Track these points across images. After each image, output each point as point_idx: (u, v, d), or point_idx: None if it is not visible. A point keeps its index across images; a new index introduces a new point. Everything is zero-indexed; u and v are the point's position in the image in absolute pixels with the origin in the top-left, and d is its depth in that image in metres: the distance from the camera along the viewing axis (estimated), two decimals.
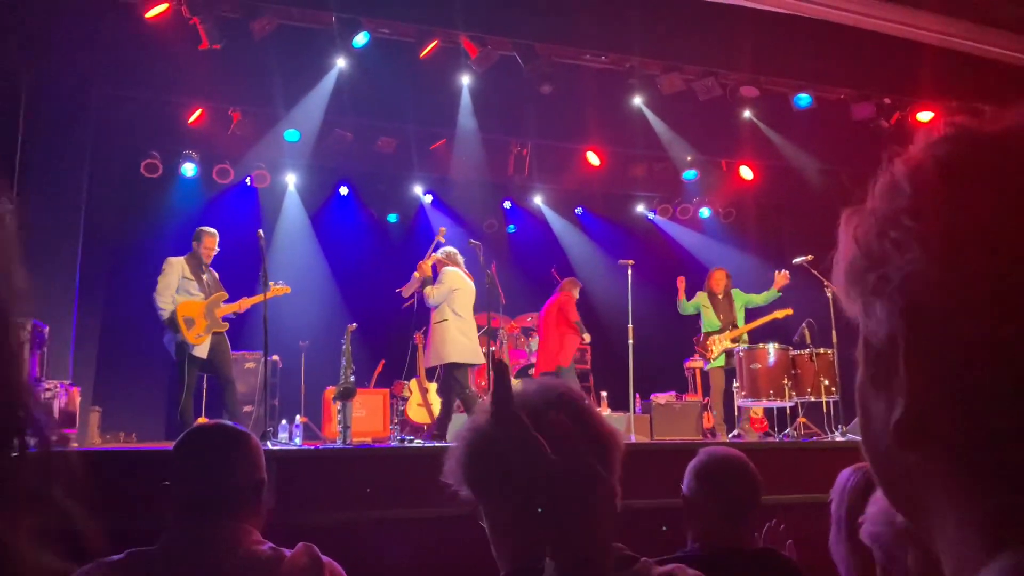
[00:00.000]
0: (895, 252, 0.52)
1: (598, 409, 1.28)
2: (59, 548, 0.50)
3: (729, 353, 7.31)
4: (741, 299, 7.61)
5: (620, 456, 1.21)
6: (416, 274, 6.71)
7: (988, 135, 0.53)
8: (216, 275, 6.45)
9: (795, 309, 7.37)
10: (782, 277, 7.37)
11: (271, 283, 6.41)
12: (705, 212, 10.60)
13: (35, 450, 0.50)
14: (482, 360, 6.64)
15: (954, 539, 0.52)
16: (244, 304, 6.36)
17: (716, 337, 7.45)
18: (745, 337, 7.45)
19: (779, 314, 7.35)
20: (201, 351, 6.10)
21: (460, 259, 6.67)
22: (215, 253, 6.40)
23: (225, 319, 6.30)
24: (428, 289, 6.45)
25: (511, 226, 10.91)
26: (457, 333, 6.34)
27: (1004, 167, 0.51)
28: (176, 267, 6.22)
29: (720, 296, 7.59)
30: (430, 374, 6.50)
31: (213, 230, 6.46)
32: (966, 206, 0.50)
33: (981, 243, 0.49)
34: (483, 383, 7.76)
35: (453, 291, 6.40)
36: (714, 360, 7.38)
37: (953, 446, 0.51)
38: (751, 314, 7.60)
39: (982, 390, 0.49)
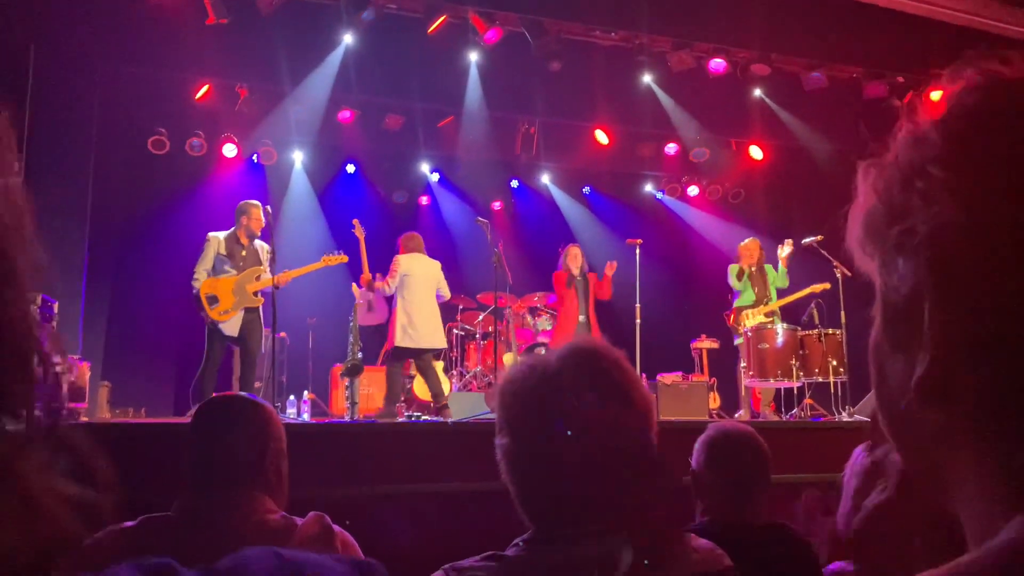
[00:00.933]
0: (921, 203, 0.51)
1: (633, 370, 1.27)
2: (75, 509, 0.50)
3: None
4: (772, 275, 7.50)
5: (654, 430, 1.22)
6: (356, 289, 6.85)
7: (1019, 81, 0.51)
8: (261, 248, 6.23)
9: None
10: (784, 256, 7.31)
11: (326, 255, 6.48)
12: (714, 192, 10.55)
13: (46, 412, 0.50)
14: (439, 344, 6.72)
15: (974, 497, 0.52)
16: (284, 277, 6.12)
17: (749, 311, 7.33)
18: (778, 312, 7.34)
19: (817, 288, 7.15)
20: (230, 328, 5.99)
21: (417, 243, 6.80)
22: (263, 225, 6.21)
23: (265, 293, 6.14)
24: (379, 284, 6.61)
25: (518, 205, 10.87)
26: (404, 319, 6.49)
27: None
28: (213, 244, 6.14)
29: (753, 268, 7.45)
30: (413, 353, 6.55)
31: (257, 202, 6.29)
32: (1000, 154, 0.48)
33: (1017, 193, 0.47)
34: (413, 372, 7.71)
35: (404, 277, 6.57)
36: (740, 338, 7.33)
37: (977, 403, 0.49)
38: (780, 292, 7.49)
39: (1010, 346, 0.47)
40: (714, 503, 2.08)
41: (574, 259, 7.65)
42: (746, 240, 7.65)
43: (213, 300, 6.00)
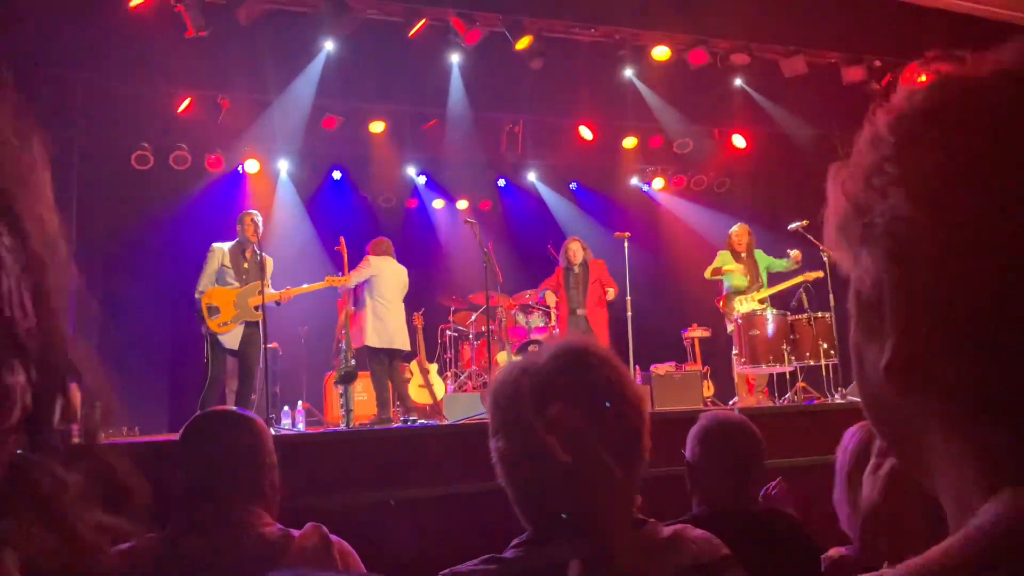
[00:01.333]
0: (879, 199, 0.54)
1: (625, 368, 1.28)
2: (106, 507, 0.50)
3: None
4: (764, 260, 7.47)
5: (648, 425, 1.23)
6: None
7: (966, 80, 0.54)
8: (264, 261, 6.19)
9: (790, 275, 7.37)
10: (796, 257, 7.29)
11: (329, 276, 6.52)
12: (699, 182, 10.58)
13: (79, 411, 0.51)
14: (406, 346, 6.75)
15: (952, 480, 0.53)
16: (288, 294, 6.13)
17: (741, 297, 7.30)
18: (767, 299, 7.34)
19: (810, 276, 7.13)
20: (229, 340, 5.94)
21: (387, 247, 6.89)
22: (254, 230, 6.16)
23: (266, 308, 6.09)
24: (341, 279, 6.64)
25: (505, 204, 10.88)
26: (373, 318, 6.52)
27: (980, 109, 0.52)
28: (216, 254, 6.09)
29: (743, 254, 7.43)
30: (385, 353, 6.66)
31: (252, 211, 6.28)
32: (945, 148, 0.51)
33: (962, 183, 0.50)
34: (408, 375, 7.88)
35: (373, 277, 6.61)
36: (732, 324, 7.33)
37: (945, 386, 0.51)
38: (771, 278, 7.49)
39: (970, 327, 0.50)
40: (710, 492, 2.10)
41: (571, 253, 7.67)
42: (735, 226, 7.64)
43: (214, 311, 5.95)
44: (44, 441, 0.47)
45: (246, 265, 6.14)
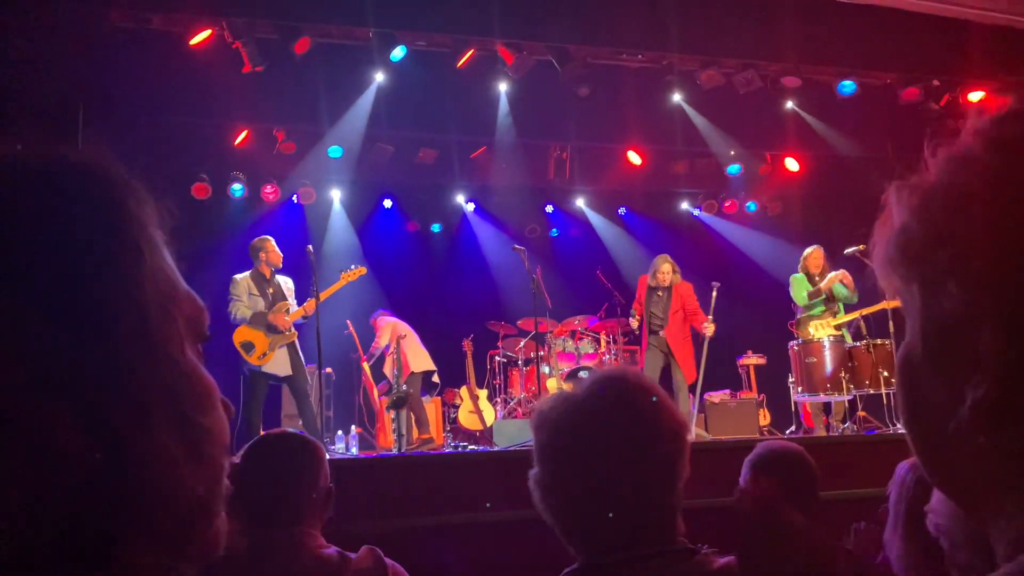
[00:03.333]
0: (975, 231, 0.50)
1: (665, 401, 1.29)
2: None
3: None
4: (838, 288, 7.18)
5: (687, 454, 1.23)
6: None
7: None
8: (284, 284, 6.32)
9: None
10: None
11: (343, 272, 6.60)
12: (751, 206, 10.45)
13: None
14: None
15: (1012, 515, 0.51)
16: (311, 305, 6.19)
17: (818, 322, 7.06)
18: (844, 325, 7.05)
19: (887, 304, 6.66)
20: (275, 367, 5.97)
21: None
22: (281, 257, 6.32)
23: (296, 325, 6.17)
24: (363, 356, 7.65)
25: (554, 230, 10.90)
26: (408, 350, 7.25)
27: None
28: (241, 284, 6.19)
29: (817, 277, 7.20)
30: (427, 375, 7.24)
31: (267, 236, 6.43)
32: None
33: None
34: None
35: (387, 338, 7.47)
36: None
37: None
38: (848, 306, 7.21)
39: None
40: None
41: (661, 274, 7.33)
42: (811, 248, 7.39)
43: (249, 347, 5.99)
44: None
45: (271, 289, 6.25)
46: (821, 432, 6.77)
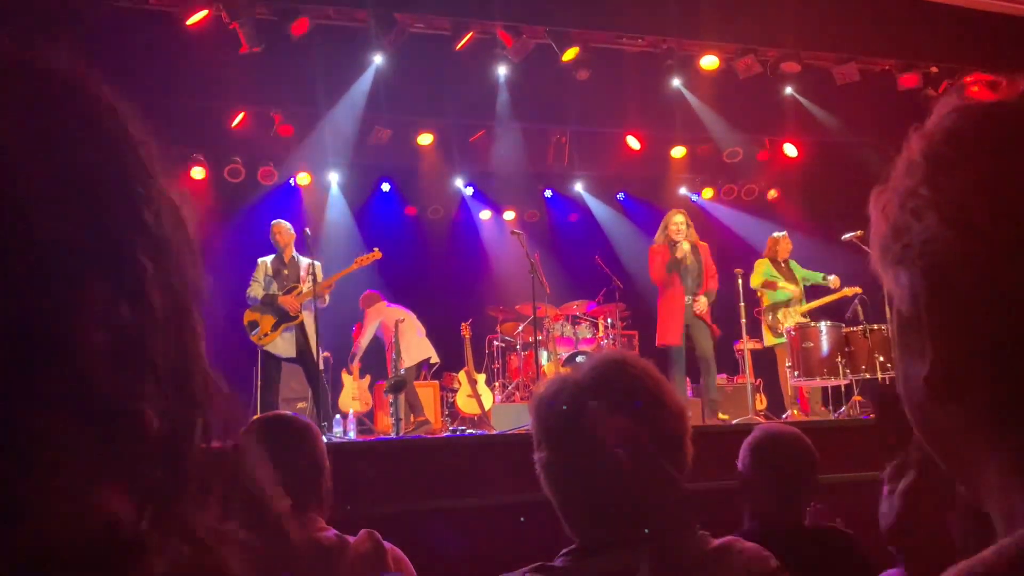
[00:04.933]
0: (914, 221, 0.57)
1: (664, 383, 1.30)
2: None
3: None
4: (799, 272, 7.28)
5: (688, 436, 1.24)
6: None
7: (992, 104, 0.57)
8: (301, 265, 6.32)
9: (846, 286, 7.21)
10: (834, 283, 7.09)
11: (357, 257, 6.65)
12: (750, 192, 10.44)
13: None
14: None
15: (998, 488, 0.55)
16: (321, 287, 6.19)
17: (786, 310, 7.08)
18: (808, 314, 7.13)
19: (847, 291, 6.95)
20: (279, 348, 6.05)
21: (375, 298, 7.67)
22: (290, 238, 6.36)
23: (317, 311, 6.18)
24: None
25: (556, 215, 10.88)
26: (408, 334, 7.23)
27: (1005, 132, 0.56)
28: (261, 267, 6.31)
29: (783, 264, 7.19)
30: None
31: (279, 220, 6.50)
32: (973, 171, 0.55)
33: (990, 204, 0.53)
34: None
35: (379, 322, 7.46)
36: (779, 337, 7.14)
37: (986, 396, 0.54)
38: (808, 292, 7.31)
39: (1005, 339, 0.52)
40: (761, 506, 2.07)
41: (677, 228, 6.54)
42: (778, 233, 7.40)
43: (253, 326, 6.10)
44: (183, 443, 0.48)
45: (286, 271, 6.29)
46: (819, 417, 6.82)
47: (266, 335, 6.06)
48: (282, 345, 6.07)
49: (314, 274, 6.20)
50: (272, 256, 6.38)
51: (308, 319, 6.18)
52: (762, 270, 7.25)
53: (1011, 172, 0.53)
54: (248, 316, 6.15)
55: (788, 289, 7.23)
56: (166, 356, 0.48)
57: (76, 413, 0.41)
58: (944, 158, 0.57)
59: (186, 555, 0.45)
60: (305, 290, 6.17)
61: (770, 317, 7.30)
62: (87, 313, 0.42)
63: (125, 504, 0.42)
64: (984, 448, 0.56)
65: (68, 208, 0.44)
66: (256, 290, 6.20)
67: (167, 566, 0.44)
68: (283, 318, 6.13)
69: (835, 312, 7.19)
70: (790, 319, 7.09)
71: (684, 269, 6.53)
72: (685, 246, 6.54)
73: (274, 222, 6.51)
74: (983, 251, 0.53)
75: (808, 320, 7.06)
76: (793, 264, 7.37)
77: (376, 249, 6.75)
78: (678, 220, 6.61)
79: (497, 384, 8.45)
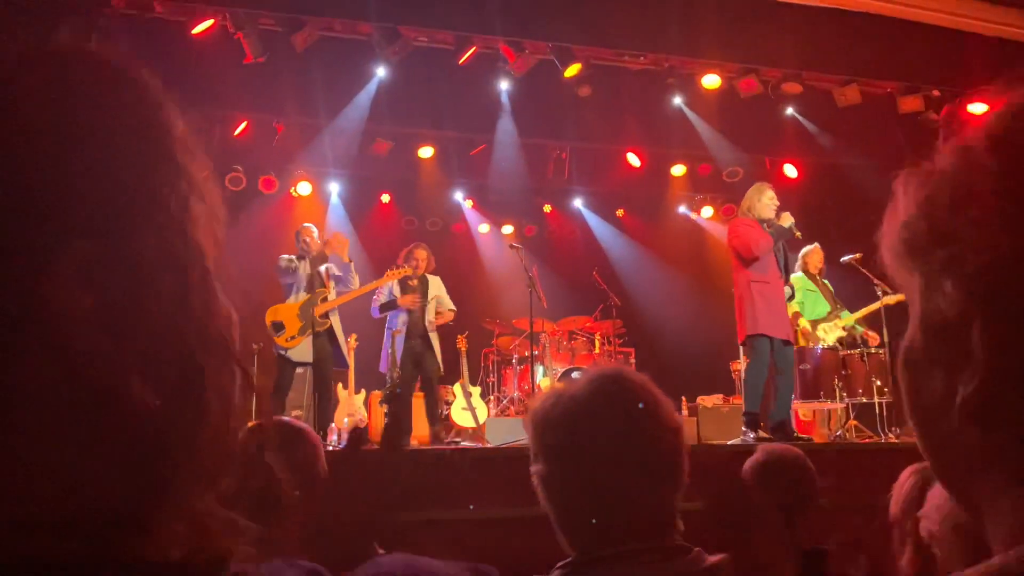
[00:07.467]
0: (972, 230, 0.50)
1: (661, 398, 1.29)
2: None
3: (841, 341, 6.66)
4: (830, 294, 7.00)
5: (686, 451, 1.23)
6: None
7: None
8: (327, 270, 6.28)
9: (846, 310, 7.19)
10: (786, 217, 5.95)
11: (389, 270, 6.60)
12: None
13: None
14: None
15: (1008, 512, 0.51)
16: (350, 297, 6.18)
17: (825, 325, 6.81)
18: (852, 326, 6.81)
19: (890, 300, 6.49)
20: (300, 354, 5.95)
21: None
22: (319, 245, 6.29)
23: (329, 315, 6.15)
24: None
25: (550, 229, 10.89)
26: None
27: None
28: (284, 263, 6.21)
29: (818, 276, 6.96)
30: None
31: (308, 224, 6.43)
32: None
33: None
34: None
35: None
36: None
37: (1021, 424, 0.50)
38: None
39: None
40: (764, 526, 2.05)
41: (772, 199, 5.83)
42: (811, 247, 7.13)
43: (279, 327, 5.96)
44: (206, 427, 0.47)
45: (311, 274, 6.22)
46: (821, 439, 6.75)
47: (292, 338, 5.96)
48: (302, 351, 5.99)
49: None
50: (293, 256, 6.24)
51: (336, 324, 6.14)
52: (799, 286, 6.89)
53: None
54: (272, 315, 6.02)
55: (822, 301, 6.96)
56: (170, 328, 0.45)
57: (56, 383, 0.40)
58: (1022, 164, 0.49)
59: (182, 535, 0.44)
60: (332, 297, 6.14)
61: (811, 331, 6.97)
62: (64, 273, 0.40)
63: (116, 482, 0.41)
64: (1008, 482, 0.51)
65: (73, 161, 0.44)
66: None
67: (162, 546, 0.43)
68: (309, 323, 6.02)
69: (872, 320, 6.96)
70: (831, 334, 6.82)
71: (782, 250, 5.66)
72: (789, 217, 5.66)
73: (305, 226, 6.40)
74: None
75: (847, 335, 6.77)
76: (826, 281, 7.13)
77: (406, 265, 6.70)
78: (772, 193, 5.84)
79: (492, 397, 8.42)
